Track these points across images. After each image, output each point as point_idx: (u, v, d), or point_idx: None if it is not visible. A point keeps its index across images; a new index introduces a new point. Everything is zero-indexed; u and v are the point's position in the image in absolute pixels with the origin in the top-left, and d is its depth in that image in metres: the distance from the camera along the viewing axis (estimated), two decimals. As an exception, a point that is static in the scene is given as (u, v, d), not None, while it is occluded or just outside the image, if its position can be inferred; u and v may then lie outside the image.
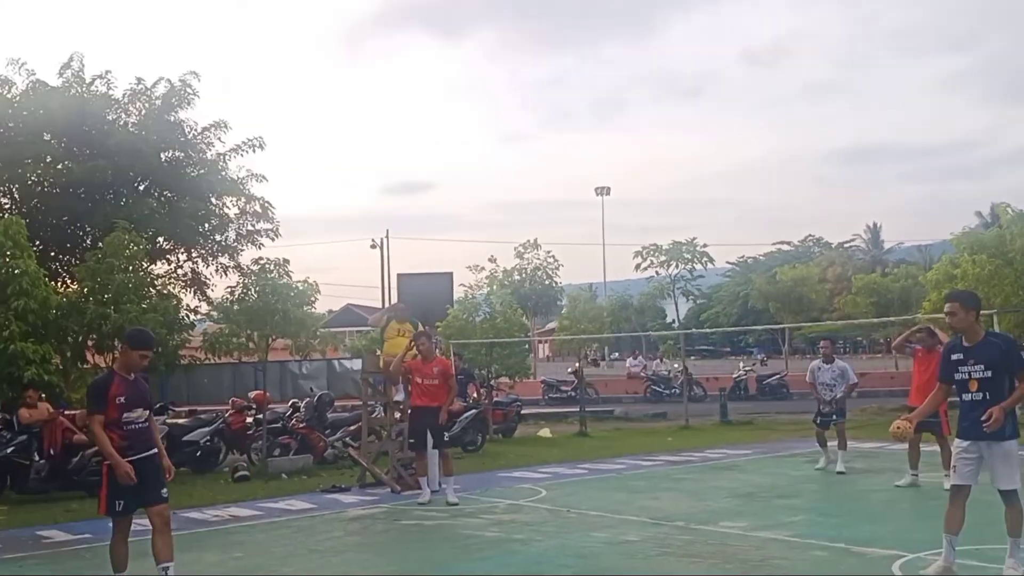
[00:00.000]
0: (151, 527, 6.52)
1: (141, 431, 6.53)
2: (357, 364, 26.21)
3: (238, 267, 19.00)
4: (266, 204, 19.78)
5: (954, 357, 6.38)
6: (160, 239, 18.27)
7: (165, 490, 6.59)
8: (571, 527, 8.96)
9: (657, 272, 72.75)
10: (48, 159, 17.79)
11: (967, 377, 6.26)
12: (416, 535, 9.09)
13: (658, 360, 41.43)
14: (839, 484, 11.46)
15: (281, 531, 9.41)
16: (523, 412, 20.78)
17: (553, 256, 39.69)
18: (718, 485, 11.52)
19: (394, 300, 26.65)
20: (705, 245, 70.48)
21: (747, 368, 34.28)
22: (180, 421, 15.05)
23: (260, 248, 19.50)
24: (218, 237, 19.38)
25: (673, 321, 79.51)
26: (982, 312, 6.98)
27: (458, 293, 24.13)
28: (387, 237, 50.15)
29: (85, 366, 14.68)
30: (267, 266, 14.31)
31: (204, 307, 18.25)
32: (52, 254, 18.01)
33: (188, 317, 16.21)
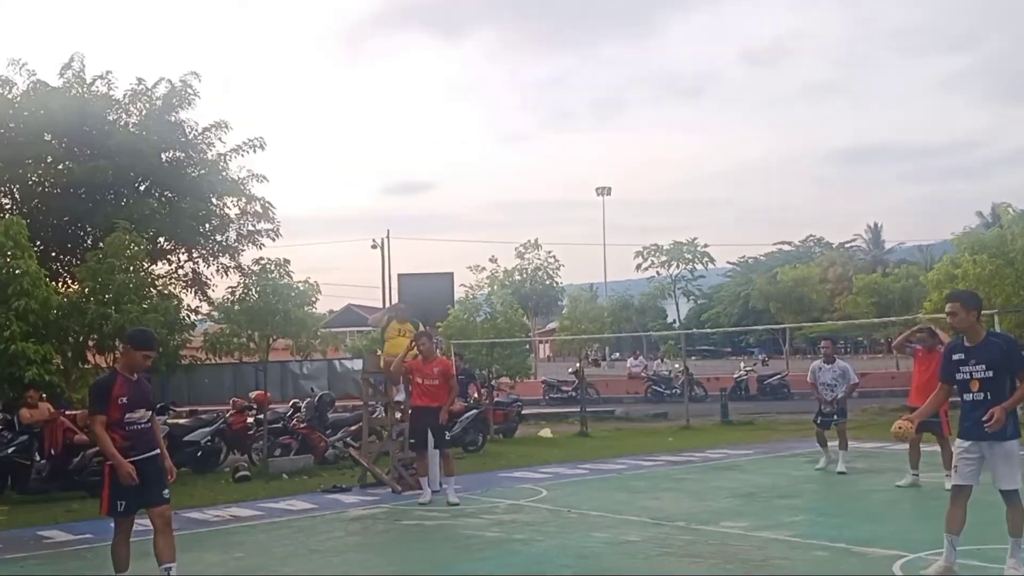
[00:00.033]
0: (152, 528, 6.52)
1: (143, 431, 6.53)
2: (358, 364, 26.27)
3: (239, 267, 18.99)
4: (267, 204, 19.79)
5: (955, 357, 6.38)
6: (161, 239, 18.26)
7: (167, 491, 6.59)
8: (572, 527, 8.96)
9: (658, 272, 72.89)
10: (49, 159, 17.79)
11: (968, 377, 6.26)
12: (417, 535, 9.10)
13: (659, 360, 41.41)
14: (840, 484, 11.45)
15: (282, 531, 9.41)
16: (524, 412, 20.77)
17: (554, 256, 39.81)
18: (719, 485, 11.52)
19: (395, 300, 26.63)
20: (706, 245, 70.61)
21: (748, 368, 34.27)
22: (181, 421, 15.06)
23: (261, 248, 19.50)
24: (219, 237, 19.37)
25: (674, 321, 79.55)
26: (983, 312, 6.97)
27: (459, 293, 24.21)
28: (388, 237, 50.21)
29: (86, 366, 14.68)
30: (268, 266, 14.32)
31: (205, 307, 18.25)
32: (53, 254, 18.01)
33: (189, 317, 16.22)
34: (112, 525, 6.69)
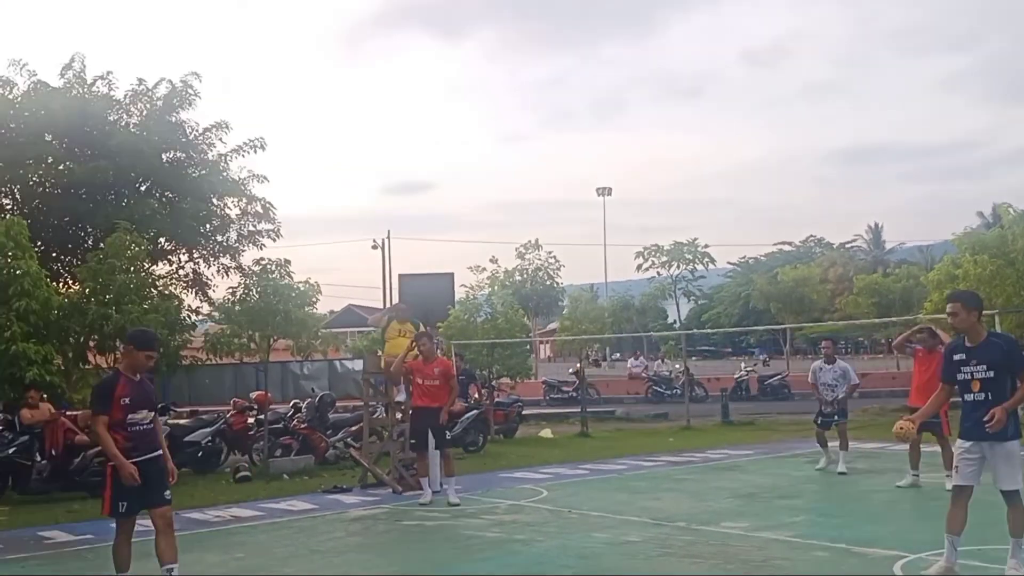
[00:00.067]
0: (154, 528, 6.52)
1: (145, 432, 6.52)
2: (358, 365, 26.27)
3: (239, 268, 19.02)
4: (267, 205, 19.83)
5: (956, 357, 6.39)
6: (162, 240, 18.29)
7: (168, 492, 6.59)
8: (572, 528, 8.96)
9: (658, 272, 72.98)
10: (49, 160, 17.82)
11: (969, 377, 6.26)
12: (417, 536, 9.10)
13: (659, 360, 41.44)
14: (840, 484, 11.45)
15: (283, 532, 9.41)
16: (524, 413, 20.76)
17: (554, 257, 39.76)
18: (719, 486, 11.51)
19: (395, 301, 26.64)
20: (707, 246, 70.71)
21: (748, 368, 34.27)
22: (182, 422, 15.04)
23: (261, 249, 19.56)
24: (219, 238, 19.40)
25: (674, 321, 79.62)
26: (984, 313, 6.97)
27: (459, 293, 24.18)
28: (388, 237, 50.26)
29: (87, 367, 14.70)
30: (268, 267, 14.33)
31: (205, 308, 18.30)
32: (54, 255, 18.04)
33: (190, 318, 16.25)
34: (113, 525, 6.69)
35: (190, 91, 19.02)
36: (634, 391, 32.93)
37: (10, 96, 18.23)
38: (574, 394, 29.39)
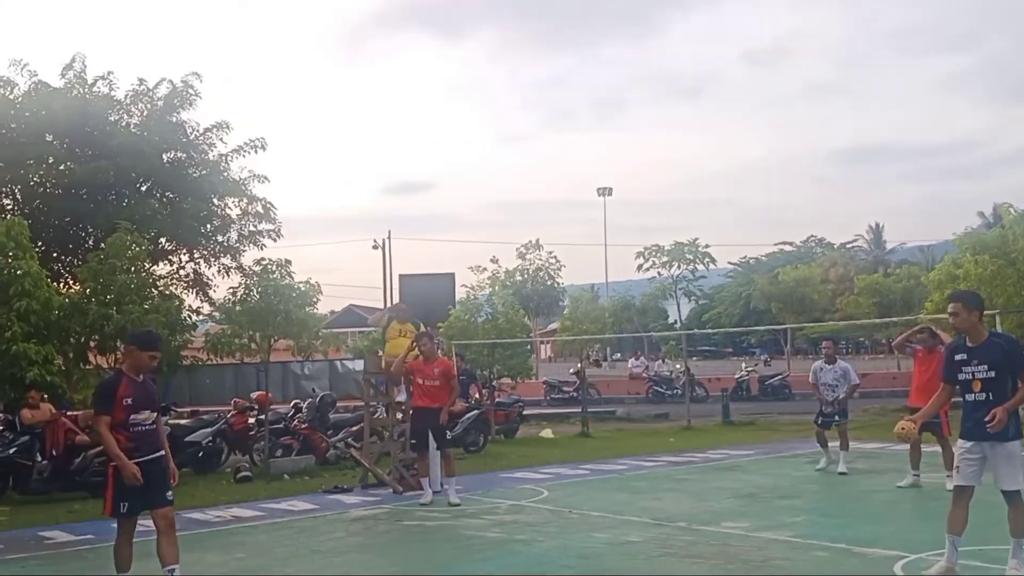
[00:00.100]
0: (155, 529, 6.52)
1: (148, 433, 6.52)
2: (359, 365, 26.28)
3: (240, 268, 19.02)
4: (268, 205, 19.83)
5: (957, 357, 6.38)
6: (162, 240, 18.29)
7: (170, 492, 6.59)
8: (573, 528, 8.96)
9: (659, 273, 73.05)
10: (50, 160, 17.83)
11: (970, 378, 6.26)
12: (418, 536, 9.10)
13: (660, 361, 41.41)
14: (841, 485, 11.45)
15: (283, 532, 9.41)
16: (525, 413, 20.76)
17: (555, 257, 39.81)
18: (720, 486, 11.51)
19: (396, 301, 26.64)
20: (707, 246, 70.79)
21: (749, 368, 34.25)
22: (182, 422, 15.05)
23: (262, 249, 19.56)
24: (220, 238, 19.41)
25: (675, 322, 79.66)
26: (985, 313, 6.97)
27: (460, 294, 24.17)
28: (389, 238, 50.26)
29: (87, 367, 14.70)
30: (269, 267, 14.33)
31: (206, 308, 18.29)
32: (54, 255, 18.04)
33: (190, 318, 16.24)
34: (114, 526, 6.69)
35: (191, 91, 19.04)
36: (635, 391, 32.91)
37: (11, 96, 18.25)
38: (575, 394, 29.39)
